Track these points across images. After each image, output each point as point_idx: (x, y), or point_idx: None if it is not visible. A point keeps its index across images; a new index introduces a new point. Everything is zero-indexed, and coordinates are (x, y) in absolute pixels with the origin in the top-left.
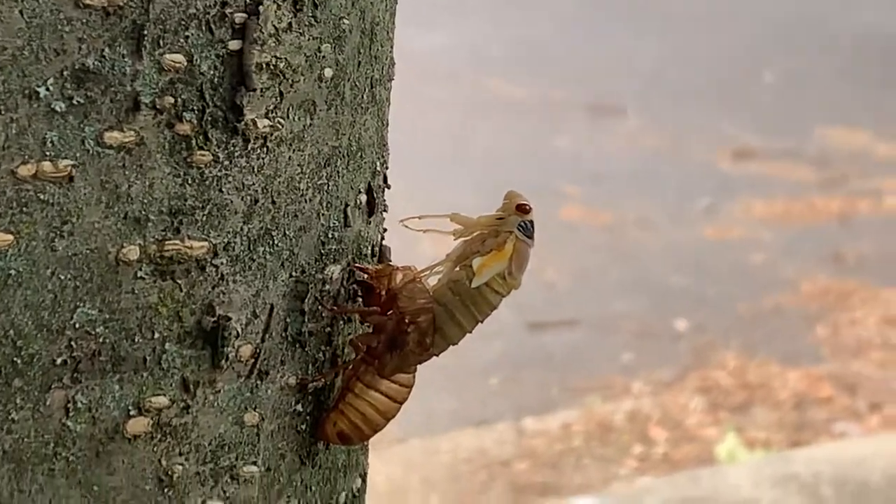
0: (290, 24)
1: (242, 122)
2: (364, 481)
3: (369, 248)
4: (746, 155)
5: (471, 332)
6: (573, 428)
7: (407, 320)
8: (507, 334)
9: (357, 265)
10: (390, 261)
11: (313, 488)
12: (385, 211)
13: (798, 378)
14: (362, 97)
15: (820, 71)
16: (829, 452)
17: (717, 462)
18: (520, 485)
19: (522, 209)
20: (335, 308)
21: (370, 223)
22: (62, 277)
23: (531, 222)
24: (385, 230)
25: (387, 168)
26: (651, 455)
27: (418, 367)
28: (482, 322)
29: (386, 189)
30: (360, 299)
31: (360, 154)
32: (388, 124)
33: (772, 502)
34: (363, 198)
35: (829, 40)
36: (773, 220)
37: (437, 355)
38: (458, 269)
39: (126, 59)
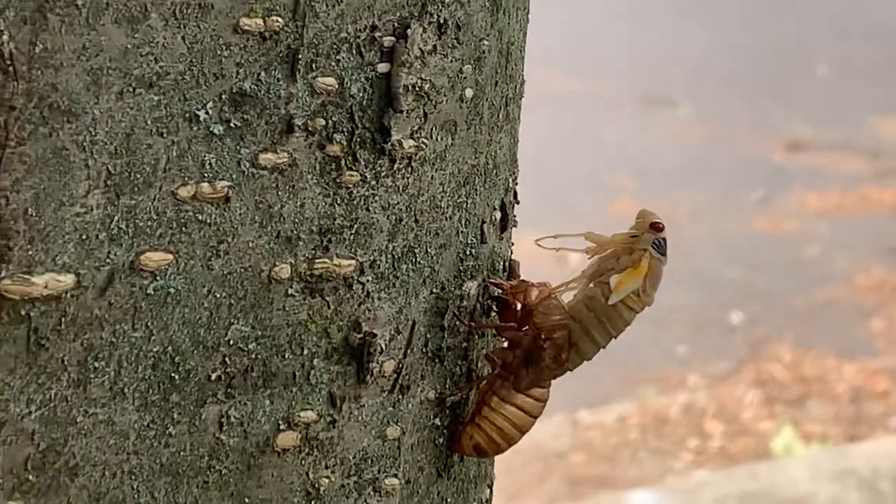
0: (434, 46)
1: (389, 143)
2: (491, 491)
3: (501, 263)
4: (799, 147)
5: (604, 347)
6: (629, 421)
7: (543, 336)
8: None
9: (493, 281)
10: (519, 275)
11: (448, 500)
12: (515, 226)
13: (854, 372)
14: (498, 116)
15: (872, 61)
16: (887, 447)
17: (772, 456)
18: (575, 478)
19: (656, 227)
20: (473, 324)
21: (502, 239)
22: (217, 295)
23: (664, 240)
24: (513, 244)
25: (517, 184)
26: (707, 448)
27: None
28: (616, 338)
29: (517, 204)
30: (496, 315)
31: (495, 171)
32: (518, 141)
33: (830, 498)
34: (497, 214)
35: (882, 31)
36: (827, 213)
37: (571, 370)
38: (592, 285)
39: (281, 83)
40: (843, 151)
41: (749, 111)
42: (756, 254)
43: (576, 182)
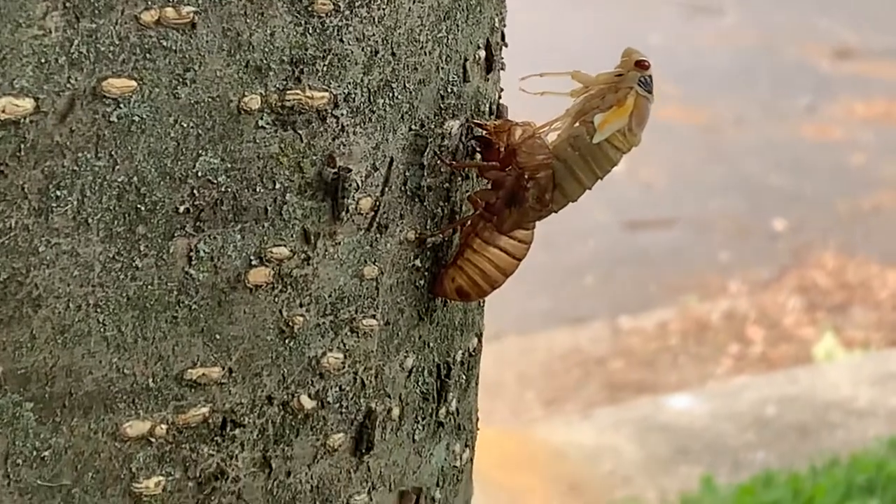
0: None
1: None
2: (480, 341)
3: (487, 105)
4: (846, 54)
5: (590, 188)
6: (669, 327)
7: (526, 176)
8: (602, 233)
9: (475, 121)
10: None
11: (431, 344)
12: (503, 69)
13: None
14: None
15: None
16: None
17: (814, 362)
18: (615, 383)
19: (641, 65)
20: (454, 163)
21: (488, 80)
22: (184, 125)
23: (650, 77)
24: (502, 90)
25: (504, 25)
26: (748, 354)
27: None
28: (601, 178)
29: (504, 47)
30: (479, 155)
31: (479, 9)
32: None
33: (870, 401)
34: (482, 53)
35: None
36: (874, 120)
37: (556, 212)
38: (577, 124)
39: None
40: (890, 59)
41: (796, 18)
42: (801, 160)
43: None
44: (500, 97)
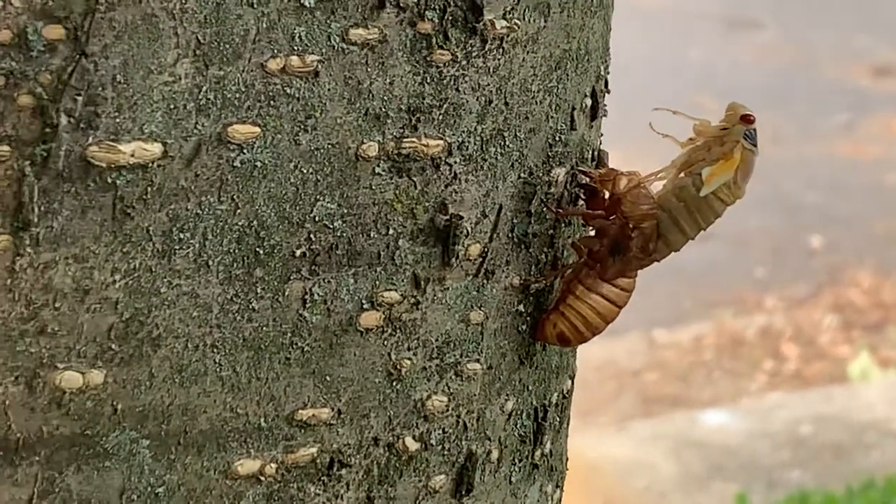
0: None
1: (481, 23)
2: (573, 382)
3: (590, 152)
4: (885, 72)
5: (693, 239)
6: (704, 341)
7: (631, 225)
8: None
9: (581, 169)
10: (607, 165)
11: (530, 387)
12: (605, 115)
13: None
14: (592, 1)
15: None
16: None
17: (848, 380)
18: (649, 396)
19: (747, 119)
20: (560, 210)
21: (592, 127)
22: (304, 171)
23: (755, 130)
24: (602, 135)
25: (608, 73)
26: (782, 371)
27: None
28: (705, 230)
29: (607, 93)
30: (583, 203)
31: (587, 58)
32: (611, 29)
33: None
34: (588, 101)
35: None
36: None
37: (658, 261)
38: (683, 175)
39: None
40: None
41: (835, 35)
42: (838, 178)
43: (659, 101)
44: (600, 143)
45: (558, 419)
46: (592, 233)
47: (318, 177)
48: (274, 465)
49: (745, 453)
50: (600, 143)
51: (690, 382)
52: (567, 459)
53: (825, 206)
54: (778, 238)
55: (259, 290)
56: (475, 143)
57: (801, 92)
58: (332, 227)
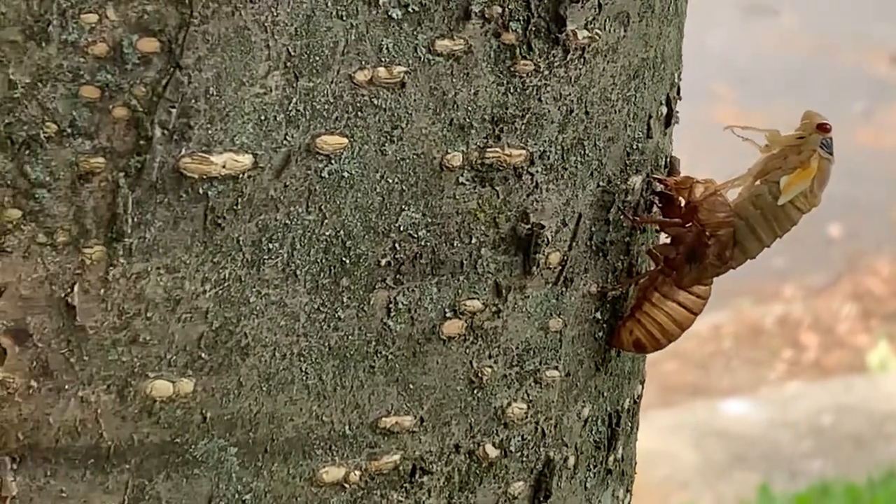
0: None
1: (564, 33)
2: (643, 387)
3: (664, 159)
4: None
5: (769, 246)
6: (723, 330)
7: (707, 233)
8: None
9: (657, 177)
10: (679, 172)
11: (605, 394)
12: (677, 122)
13: None
14: (668, 9)
15: None
16: None
17: (867, 369)
18: (669, 385)
19: (823, 128)
20: (637, 218)
21: (666, 134)
22: (390, 181)
23: (831, 139)
24: (672, 141)
25: (681, 80)
26: (801, 360)
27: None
28: (780, 238)
29: (679, 100)
30: (659, 210)
31: (663, 66)
32: (684, 36)
33: None
34: (663, 109)
35: None
36: None
37: (734, 268)
38: (759, 183)
39: None
40: None
41: (853, 22)
42: (856, 167)
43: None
44: (672, 149)
45: (629, 424)
46: (668, 240)
47: (404, 187)
48: (358, 473)
49: (766, 443)
50: (672, 150)
51: (709, 371)
52: (636, 463)
53: (844, 195)
54: (796, 227)
55: (345, 300)
56: (556, 153)
57: (819, 80)
58: (416, 236)
